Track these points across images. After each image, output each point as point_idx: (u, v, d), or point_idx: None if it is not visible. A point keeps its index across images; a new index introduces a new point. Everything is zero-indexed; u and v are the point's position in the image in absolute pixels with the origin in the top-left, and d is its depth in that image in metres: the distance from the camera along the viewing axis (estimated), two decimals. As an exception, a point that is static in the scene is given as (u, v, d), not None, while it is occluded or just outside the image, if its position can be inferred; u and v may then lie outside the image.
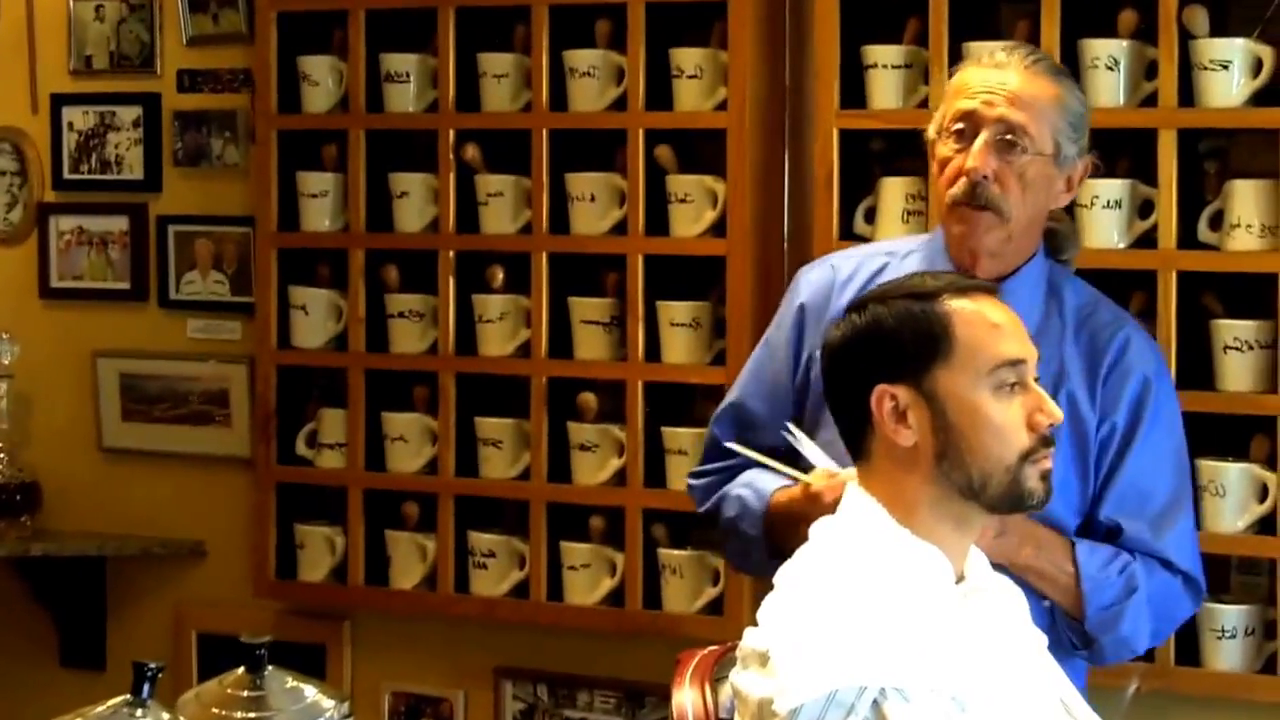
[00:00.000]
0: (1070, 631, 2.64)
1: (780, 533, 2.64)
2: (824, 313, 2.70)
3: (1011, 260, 2.65)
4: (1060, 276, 2.72)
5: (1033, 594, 2.53)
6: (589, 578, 3.72)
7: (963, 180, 2.60)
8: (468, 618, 3.87)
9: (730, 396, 2.83)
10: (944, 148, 2.64)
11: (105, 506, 4.31)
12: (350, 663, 4.08)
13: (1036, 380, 2.27)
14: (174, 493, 4.26)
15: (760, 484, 2.70)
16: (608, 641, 3.77)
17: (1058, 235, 2.73)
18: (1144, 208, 3.30)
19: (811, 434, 2.65)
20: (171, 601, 4.26)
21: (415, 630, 3.99)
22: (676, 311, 3.63)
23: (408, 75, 3.84)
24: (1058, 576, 2.60)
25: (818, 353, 2.60)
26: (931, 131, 2.67)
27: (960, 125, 2.61)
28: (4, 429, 4.28)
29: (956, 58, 3.36)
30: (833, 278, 2.74)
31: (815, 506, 2.50)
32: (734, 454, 2.73)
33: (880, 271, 2.71)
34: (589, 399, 3.74)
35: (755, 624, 2.23)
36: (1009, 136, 2.58)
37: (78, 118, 4.33)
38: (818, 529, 2.34)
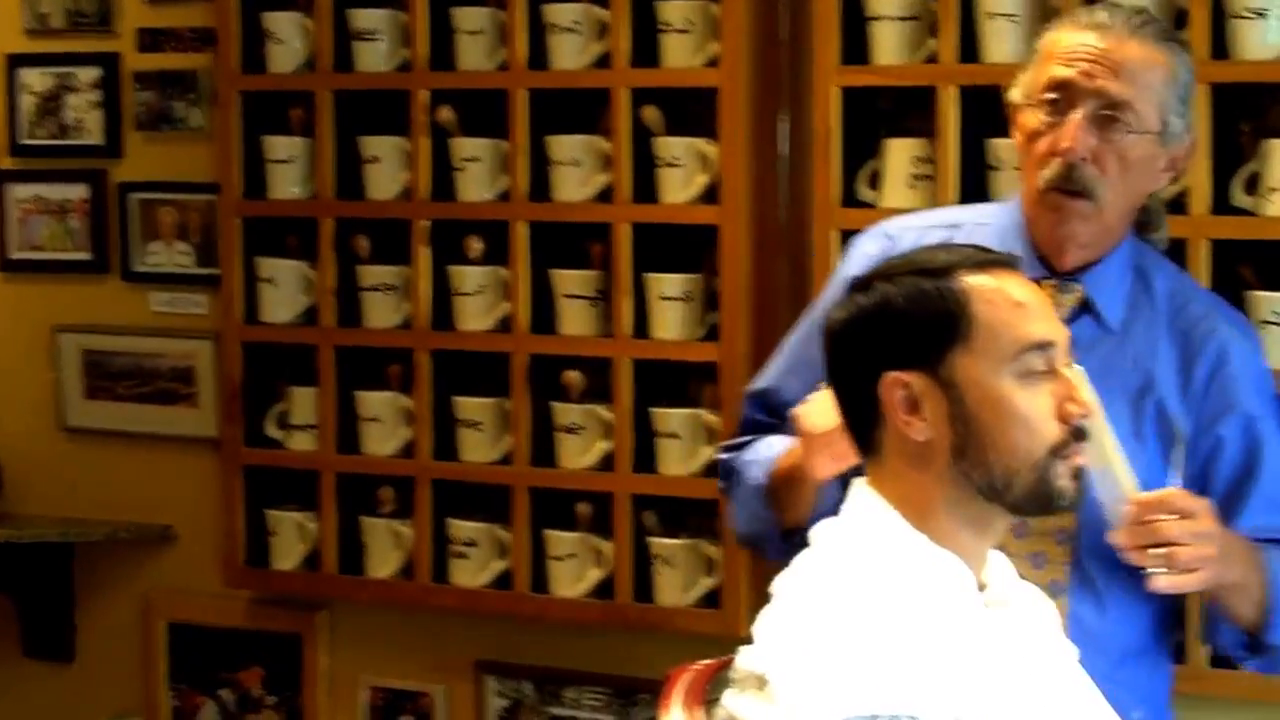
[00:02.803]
0: (1238, 640, 2.40)
1: (782, 496, 2.41)
2: None
3: (1101, 248, 2.35)
4: (1147, 258, 2.42)
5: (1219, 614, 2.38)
6: (575, 568, 3.50)
7: (1056, 162, 2.27)
8: (448, 609, 3.67)
9: (764, 379, 2.52)
10: (1032, 118, 2.31)
11: (69, 488, 4.12)
12: (328, 655, 3.89)
13: (1069, 365, 2.02)
14: (141, 474, 4.07)
15: (773, 441, 2.45)
16: (596, 635, 3.55)
17: (1146, 210, 2.42)
18: (1173, 169, 3.01)
19: None
20: (140, 589, 4.08)
21: (394, 622, 3.79)
22: (666, 284, 3.39)
23: (377, 32, 3.61)
24: (1250, 587, 2.34)
25: None
26: (1016, 95, 2.34)
27: (1053, 95, 2.28)
28: (-39, 408, 4.12)
29: (967, 10, 3.12)
30: (889, 249, 2.39)
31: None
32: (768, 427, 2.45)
33: None
34: (574, 377, 3.51)
35: (754, 624, 2.00)
36: (1110, 112, 2.26)
37: (34, 79, 4.11)
38: (820, 532, 2.10)
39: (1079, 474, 2.01)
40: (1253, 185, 2.98)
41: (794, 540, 2.39)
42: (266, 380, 3.81)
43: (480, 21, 3.51)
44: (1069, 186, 2.28)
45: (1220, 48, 2.96)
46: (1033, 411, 1.97)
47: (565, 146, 3.46)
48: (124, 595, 4.07)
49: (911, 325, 2.00)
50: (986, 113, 3.14)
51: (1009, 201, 2.41)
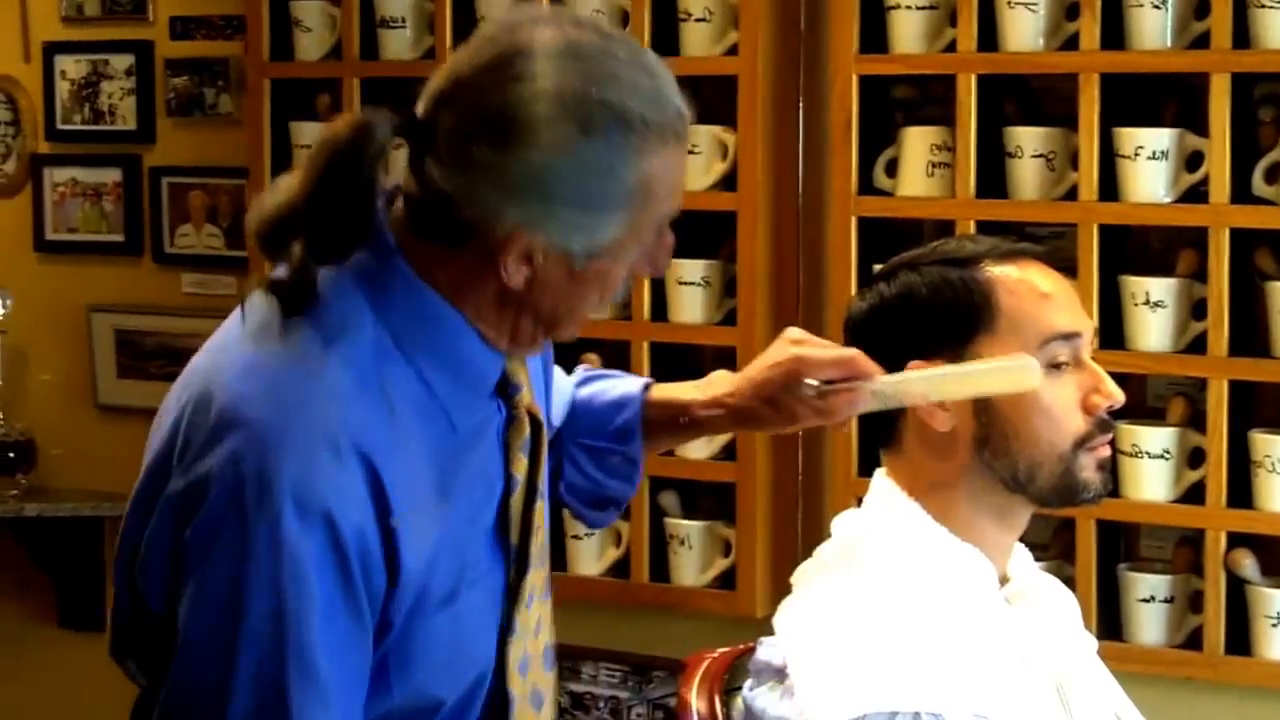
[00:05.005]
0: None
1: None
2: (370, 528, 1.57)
3: None
4: None
5: None
6: (594, 547, 3.32)
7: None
8: (468, 586, 3.49)
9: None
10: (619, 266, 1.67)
11: (101, 464, 3.96)
12: (349, 628, 3.73)
13: (1092, 356, 1.89)
14: None
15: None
16: (614, 613, 3.37)
17: None
18: (1193, 159, 2.82)
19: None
20: (168, 562, 3.92)
21: (415, 598, 3.62)
22: (684, 269, 3.20)
23: (403, 20, 3.43)
24: None
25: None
26: (615, 240, 1.63)
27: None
28: (-2, 385, 3.98)
29: (988, -2, 2.94)
30: (361, 477, 1.56)
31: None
32: None
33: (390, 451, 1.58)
34: (592, 360, 3.33)
35: (768, 606, 1.98)
36: None
37: (70, 66, 3.96)
38: (840, 522, 1.98)
39: (1105, 465, 1.88)
40: (1273, 175, 2.79)
41: None
42: (293, 361, 3.67)
43: (504, 9, 3.36)
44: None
45: (1242, 37, 2.77)
46: (1057, 403, 1.84)
47: (586, 133, 3.30)
48: (154, 568, 3.96)
49: (935, 314, 1.86)
50: (1005, 101, 3.00)
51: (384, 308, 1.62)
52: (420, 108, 1.61)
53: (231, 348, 1.64)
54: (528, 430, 1.73)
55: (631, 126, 1.58)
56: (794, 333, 1.94)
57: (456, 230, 1.59)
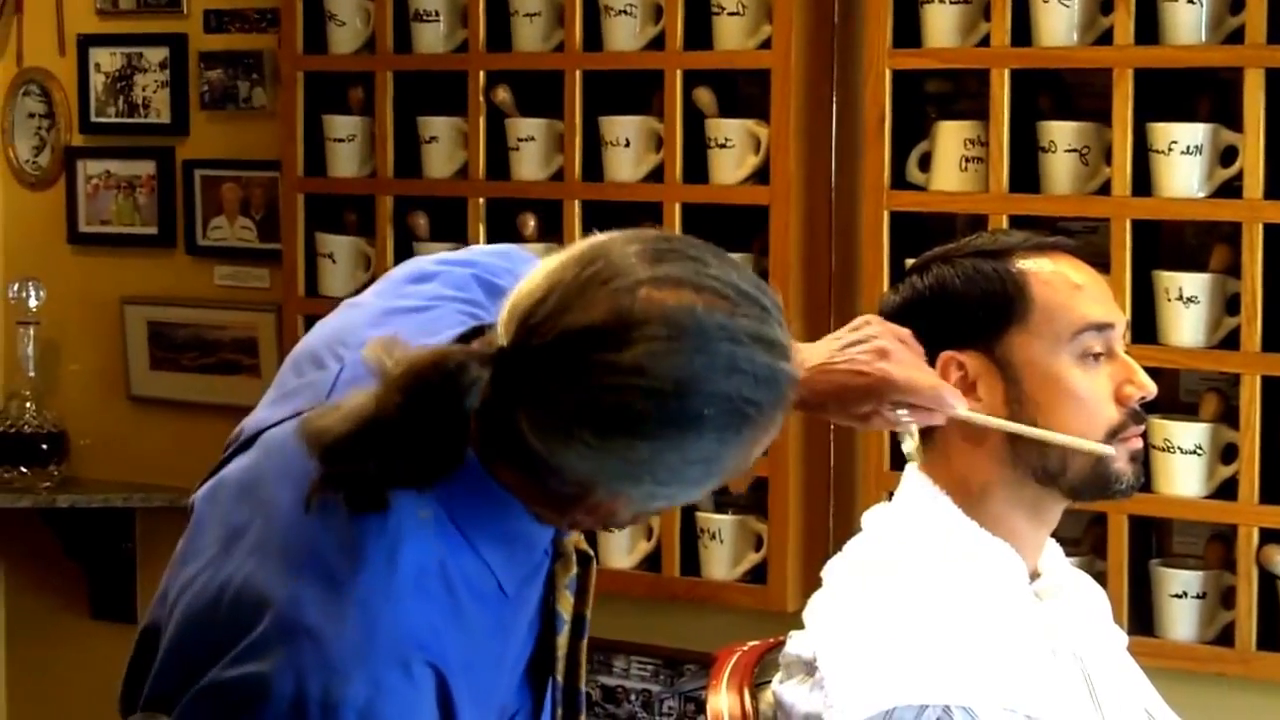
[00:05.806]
0: None
1: None
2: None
3: None
4: None
5: None
6: (625, 540, 3.31)
7: None
8: (500, 579, 3.49)
9: None
10: None
11: (133, 456, 3.98)
12: (379, 620, 3.74)
13: (1125, 351, 1.89)
14: (202, 442, 3.81)
15: None
16: (645, 607, 3.38)
17: None
18: (1227, 154, 2.82)
19: None
20: (200, 554, 3.93)
21: (445, 590, 3.62)
22: (716, 263, 3.21)
23: (437, 14, 3.44)
24: None
25: None
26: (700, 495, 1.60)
27: None
28: (31, 376, 3.97)
29: (1021, -9, 2.93)
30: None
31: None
32: None
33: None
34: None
35: (799, 600, 1.97)
36: None
37: (105, 59, 3.98)
38: (871, 517, 1.97)
39: (1137, 457, 1.87)
40: (1307, 170, 2.80)
41: None
42: (325, 353, 3.67)
43: (538, 4, 3.34)
44: None
45: (1277, 31, 2.76)
46: (1090, 393, 1.85)
47: (618, 127, 3.27)
48: (186, 560, 3.97)
49: (969, 306, 1.87)
50: (1038, 96, 3.00)
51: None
52: (509, 327, 1.48)
53: (289, 526, 1.54)
54: (575, 568, 1.67)
55: (744, 416, 1.48)
56: (879, 332, 1.85)
57: (536, 472, 1.49)
